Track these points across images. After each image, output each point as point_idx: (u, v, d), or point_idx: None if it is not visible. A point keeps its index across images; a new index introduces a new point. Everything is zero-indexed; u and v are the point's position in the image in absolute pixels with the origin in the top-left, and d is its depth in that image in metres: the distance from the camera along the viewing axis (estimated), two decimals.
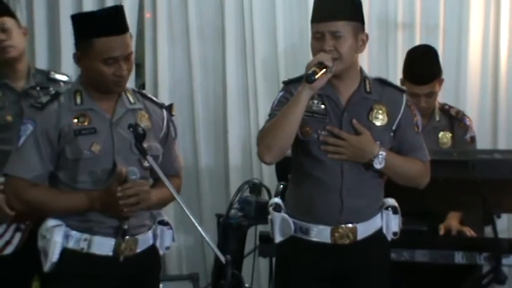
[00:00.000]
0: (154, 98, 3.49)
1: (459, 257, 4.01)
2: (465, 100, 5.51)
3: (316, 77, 3.23)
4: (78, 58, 3.25)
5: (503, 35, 5.52)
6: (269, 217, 3.54)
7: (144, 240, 3.31)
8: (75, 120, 3.20)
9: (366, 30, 3.47)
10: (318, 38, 3.36)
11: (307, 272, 3.46)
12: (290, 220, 3.47)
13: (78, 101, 3.23)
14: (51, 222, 3.20)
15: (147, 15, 5.86)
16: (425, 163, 3.54)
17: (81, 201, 3.18)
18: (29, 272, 3.97)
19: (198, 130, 5.80)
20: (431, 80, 4.36)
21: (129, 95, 3.34)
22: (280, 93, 3.53)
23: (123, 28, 3.22)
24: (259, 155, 3.40)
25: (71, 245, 3.20)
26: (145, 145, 3.18)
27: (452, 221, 4.27)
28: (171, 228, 3.43)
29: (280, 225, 3.49)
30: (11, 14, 4.20)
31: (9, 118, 3.97)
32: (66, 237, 3.19)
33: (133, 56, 3.27)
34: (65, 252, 3.18)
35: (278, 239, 3.52)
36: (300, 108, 3.29)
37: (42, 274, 3.29)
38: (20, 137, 3.20)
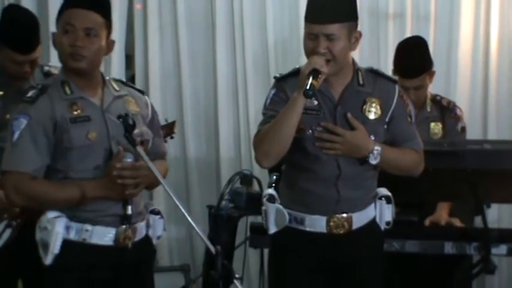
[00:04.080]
0: (134, 85, 3.53)
1: (449, 247, 4.02)
2: (455, 90, 5.53)
3: (315, 87, 3.23)
4: (53, 40, 3.27)
5: (493, 25, 5.53)
6: (263, 208, 3.53)
7: (141, 229, 3.31)
8: (69, 109, 3.19)
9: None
10: (311, 39, 3.34)
11: (302, 262, 3.47)
12: (285, 211, 3.47)
13: (68, 91, 3.22)
14: (51, 214, 3.17)
15: (137, 6, 5.86)
16: (419, 152, 3.54)
17: (84, 190, 3.16)
18: (16, 269, 3.96)
19: (187, 122, 5.79)
20: (420, 74, 4.36)
21: (112, 83, 3.36)
22: (272, 91, 3.51)
23: (90, 4, 3.24)
24: (257, 160, 3.42)
25: (71, 236, 3.18)
26: (136, 131, 3.19)
27: (442, 212, 4.28)
28: (162, 218, 3.43)
29: (275, 216, 3.49)
30: None
31: (7, 116, 3.94)
32: (67, 228, 3.17)
33: (102, 40, 3.23)
34: (65, 243, 3.16)
35: (272, 229, 3.51)
36: (296, 116, 3.29)
37: (37, 270, 3.25)
38: (14, 132, 3.16)
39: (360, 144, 3.39)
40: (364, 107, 3.44)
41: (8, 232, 3.90)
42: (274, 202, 3.50)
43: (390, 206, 3.53)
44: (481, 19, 5.56)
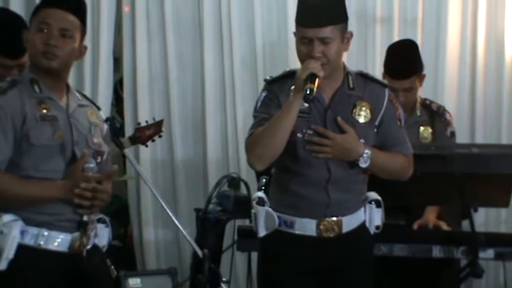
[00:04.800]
0: (93, 100, 3.50)
1: (436, 251, 4.02)
2: (443, 93, 5.55)
3: (314, 92, 3.22)
4: (25, 39, 3.25)
5: (480, 28, 5.57)
6: (252, 211, 3.52)
7: (92, 238, 3.25)
8: (38, 107, 3.13)
9: None
10: (305, 43, 3.33)
11: (292, 266, 3.45)
12: (274, 214, 3.46)
13: (37, 89, 3.17)
14: (7, 217, 3.08)
15: (126, 9, 5.84)
16: (408, 157, 3.54)
17: (49, 189, 3.10)
18: None
19: (174, 124, 5.78)
20: (410, 75, 4.36)
21: (75, 92, 3.34)
22: (263, 94, 3.50)
23: (68, 5, 3.20)
24: (250, 162, 3.42)
25: (26, 240, 3.09)
26: (95, 140, 3.20)
27: (430, 215, 4.28)
28: (108, 226, 3.37)
29: (265, 219, 3.47)
30: None
31: None
32: (22, 232, 3.08)
33: (75, 42, 3.19)
34: (19, 248, 3.07)
35: (262, 233, 3.49)
36: (292, 119, 3.29)
37: None
38: None
39: (350, 148, 3.38)
40: (354, 110, 3.43)
41: None
42: (263, 205, 3.49)
43: (380, 210, 3.52)
44: (468, 23, 5.59)
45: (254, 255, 4.43)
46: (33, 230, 3.11)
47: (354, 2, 5.60)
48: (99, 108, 3.45)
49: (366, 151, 3.38)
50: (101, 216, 3.35)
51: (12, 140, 3.09)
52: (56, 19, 3.16)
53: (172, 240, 5.81)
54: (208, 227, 4.46)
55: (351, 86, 3.44)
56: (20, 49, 3.86)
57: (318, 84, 3.24)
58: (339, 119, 3.39)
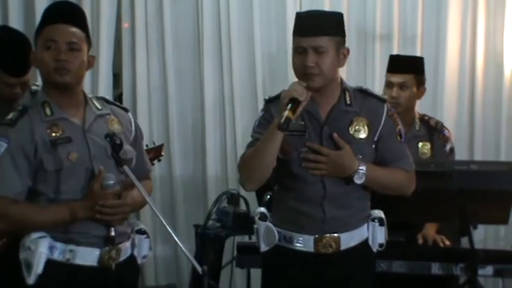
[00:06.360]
0: (117, 103, 3.51)
1: (436, 268, 4.01)
2: (442, 110, 5.56)
3: (290, 120, 3.22)
4: (33, 59, 3.25)
5: (479, 45, 5.58)
6: (255, 226, 3.55)
7: (125, 250, 3.29)
8: (49, 131, 3.16)
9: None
10: (300, 53, 3.35)
11: (292, 281, 3.47)
12: (274, 229, 3.48)
13: (48, 112, 3.19)
14: (35, 234, 3.14)
15: (125, 25, 5.85)
16: (409, 172, 3.54)
17: (65, 213, 3.14)
18: None
19: (173, 140, 5.78)
20: (406, 71, 4.40)
21: (94, 101, 3.34)
22: (261, 114, 3.53)
23: (70, 19, 3.21)
24: (241, 183, 3.49)
25: (55, 256, 3.15)
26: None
27: (429, 230, 4.27)
28: (148, 237, 3.41)
29: (265, 234, 3.50)
30: None
31: None
32: (51, 248, 3.14)
33: (84, 54, 3.21)
34: (49, 263, 3.13)
35: (263, 248, 3.53)
36: (274, 145, 3.31)
37: None
38: None
39: (344, 164, 3.39)
40: (351, 127, 3.44)
41: None
42: (265, 220, 3.52)
43: (383, 228, 3.52)
44: (467, 39, 5.60)
45: (253, 272, 4.43)
46: (61, 246, 3.16)
47: (353, 18, 5.62)
48: (126, 110, 3.46)
49: (361, 167, 3.39)
50: (141, 227, 3.40)
51: (27, 170, 3.14)
52: (61, 34, 3.17)
53: (171, 256, 5.81)
54: (207, 243, 4.45)
55: (348, 102, 3.45)
56: (23, 67, 3.86)
57: (299, 110, 3.25)
58: (335, 135, 3.40)
